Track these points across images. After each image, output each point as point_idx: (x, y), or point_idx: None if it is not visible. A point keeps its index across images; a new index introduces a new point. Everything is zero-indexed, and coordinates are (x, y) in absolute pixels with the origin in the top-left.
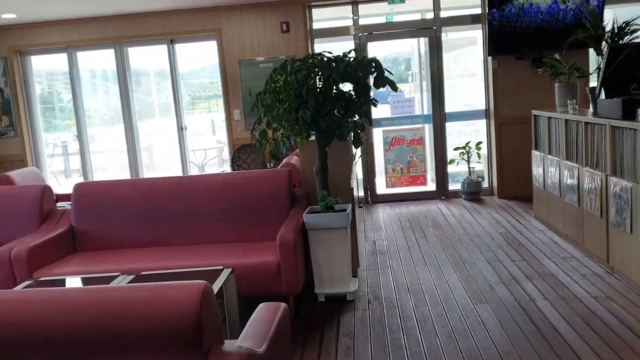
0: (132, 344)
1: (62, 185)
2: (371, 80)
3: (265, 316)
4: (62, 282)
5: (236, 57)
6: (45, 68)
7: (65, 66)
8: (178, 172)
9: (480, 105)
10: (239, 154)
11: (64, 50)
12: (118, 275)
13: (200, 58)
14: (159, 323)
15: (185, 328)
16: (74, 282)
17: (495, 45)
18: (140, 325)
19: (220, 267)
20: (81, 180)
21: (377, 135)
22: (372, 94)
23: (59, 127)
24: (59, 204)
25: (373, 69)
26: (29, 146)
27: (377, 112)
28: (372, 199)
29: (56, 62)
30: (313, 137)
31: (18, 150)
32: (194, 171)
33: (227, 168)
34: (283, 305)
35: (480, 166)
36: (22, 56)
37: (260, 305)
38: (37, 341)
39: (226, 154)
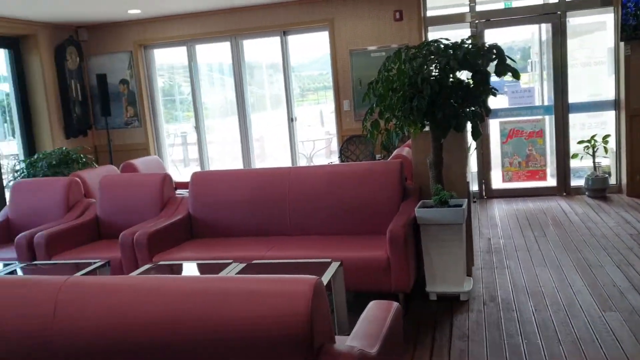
0: (239, 337)
1: (181, 173)
2: (491, 68)
3: (377, 315)
4: (178, 267)
5: (347, 47)
6: (167, 62)
7: (185, 59)
8: (287, 163)
9: (608, 95)
10: (348, 145)
11: (184, 44)
12: (231, 263)
13: (311, 50)
14: (268, 318)
15: (296, 324)
16: (190, 267)
17: (629, 30)
18: (248, 319)
19: (329, 260)
20: (198, 169)
21: (494, 126)
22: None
23: (179, 119)
24: (177, 192)
25: (494, 56)
26: (151, 136)
27: (493, 103)
28: (487, 193)
29: (177, 55)
30: (427, 128)
31: (142, 139)
32: (302, 162)
33: (335, 159)
34: (395, 304)
35: (606, 161)
36: (145, 50)
37: (372, 303)
38: (148, 331)
39: (334, 145)
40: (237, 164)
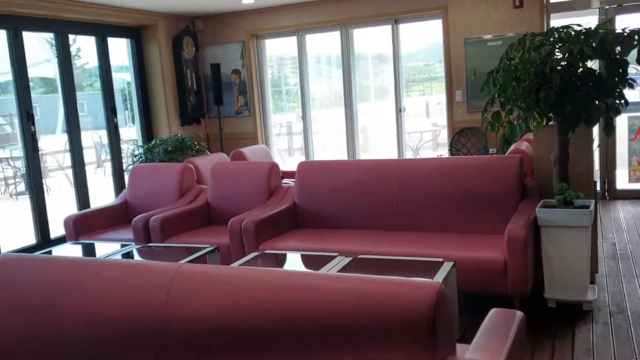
0: (351, 341)
1: (285, 163)
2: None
3: (500, 325)
4: (283, 257)
5: (462, 36)
6: (276, 53)
7: (293, 51)
8: (391, 154)
9: None
10: (459, 137)
11: (294, 34)
12: (336, 256)
13: (418, 39)
14: (384, 325)
15: (417, 335)
16: (295, 258)
17: None
18: (361, 324)
19: (441, 260)
20: (302, 158)
21: (621, 121)
22: None
23: (285, 109)
24: (283, 181)
25: (635, 42)
26: (260, 125)
27: None
28: (610, 194)
29: (285, 46)
30: (551, 122)
31: (251, 128)
32: (408, 154)
33: (442, 152)
34: (519, 313)
35: None
36: (257, 40)
37: (493, 312)
38: (255, 324)
39: (442, 138)
40: (340, 154)
